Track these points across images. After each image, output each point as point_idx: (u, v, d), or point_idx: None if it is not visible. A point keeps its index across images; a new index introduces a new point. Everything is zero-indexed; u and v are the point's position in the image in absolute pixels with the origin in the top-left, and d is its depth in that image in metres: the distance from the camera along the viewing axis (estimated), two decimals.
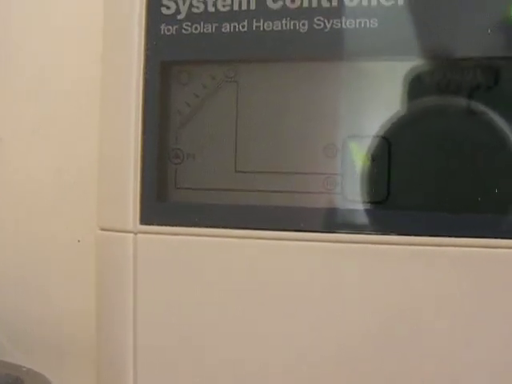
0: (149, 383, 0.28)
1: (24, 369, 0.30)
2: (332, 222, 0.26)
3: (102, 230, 0.28)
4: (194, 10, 0.27)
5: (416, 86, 0.25)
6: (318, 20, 0.25)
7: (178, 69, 0.27)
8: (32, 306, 0.36)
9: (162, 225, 0.27)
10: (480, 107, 0.24)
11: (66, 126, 0.35)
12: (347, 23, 0.25)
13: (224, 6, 0.26)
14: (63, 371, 0.29)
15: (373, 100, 0.26)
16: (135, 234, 0.27)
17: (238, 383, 0.27)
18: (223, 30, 0.26)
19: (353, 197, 0.26)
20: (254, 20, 0.26)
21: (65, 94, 0.35)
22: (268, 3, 0.26)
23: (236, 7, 0.26)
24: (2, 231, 0.36)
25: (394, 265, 0.25)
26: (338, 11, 0.25)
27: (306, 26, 0.25)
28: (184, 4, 0.27)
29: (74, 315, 0.35)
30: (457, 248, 0.24)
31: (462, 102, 0.25)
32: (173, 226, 0.27)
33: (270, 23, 0.26)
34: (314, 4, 0.25)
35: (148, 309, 0.28)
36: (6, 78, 0.36)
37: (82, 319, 0.34)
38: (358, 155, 0.25)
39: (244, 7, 0.26)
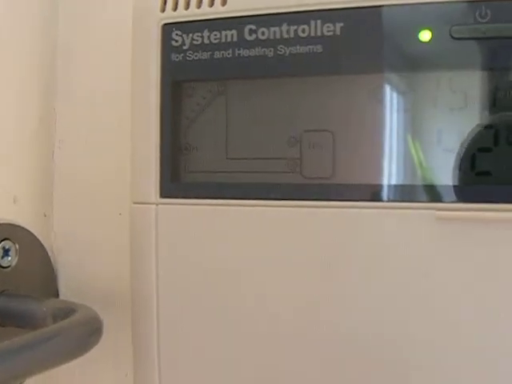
0: (169, 324, 0.37)
1: (78, 303, 0.38)
2: (294, 192, 0.35)
3: (135, 203, 0.38)
4: (195, 42, 0.36)
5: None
6: (280, 47, 0.35)
7: (185, 85, 0.37)
8: (85, 266, 0.45)
9: (175, 197, 0.37)
10: None
11: (108, 131, 0.44)
12: (301, 49, 0.34)
13: (215, 39, 0.36)
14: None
15: (322, 104, 0.35)
16: (157, 204, 0.37)
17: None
18: (215, 56, 0.36)
19: (310, 174, 0.35)
20: (236, 49, 0.35)
21: (107, 105, 0.44)
22: (245, 36, 0.35)
23: (223, 40, 0.35)
24: (65, 211, 0.46)
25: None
26: (294, 40, 0.34)
27: (272, 52, 0.35)
28: (188, 38, 0.36)
29: (116, 275, 0.44)
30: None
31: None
32: (183, 198, 0.37)
33: (247, 50, 0.35)
34: (278, 36, 0.34)
35: (167, 263, 0.37)
36: (67, 90, 0.46)
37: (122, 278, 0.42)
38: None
39: (229, 39, 0.35)
